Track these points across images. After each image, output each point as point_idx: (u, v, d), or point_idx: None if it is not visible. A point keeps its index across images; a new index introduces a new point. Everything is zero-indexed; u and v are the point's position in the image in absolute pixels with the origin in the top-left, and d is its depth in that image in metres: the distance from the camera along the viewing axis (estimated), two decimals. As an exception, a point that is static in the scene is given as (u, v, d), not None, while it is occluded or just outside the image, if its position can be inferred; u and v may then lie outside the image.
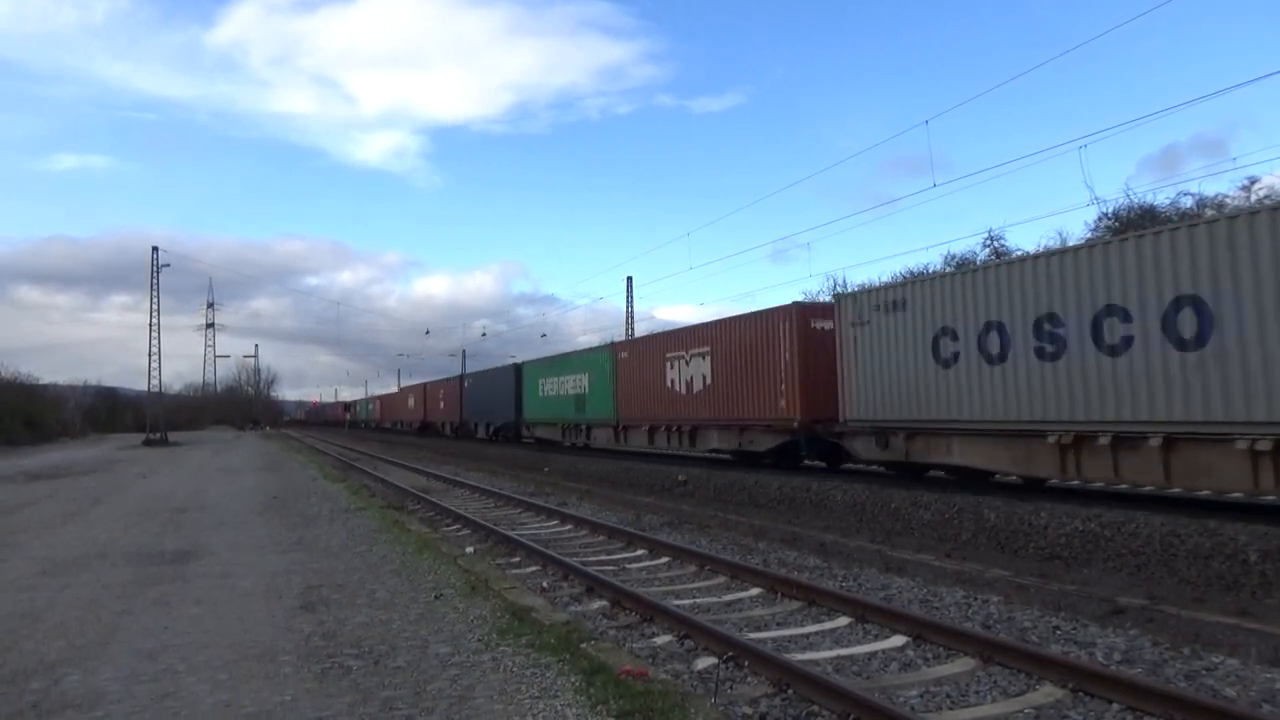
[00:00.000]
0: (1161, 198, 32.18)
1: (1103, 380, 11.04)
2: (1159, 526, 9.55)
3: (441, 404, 50.58)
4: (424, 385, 58.31)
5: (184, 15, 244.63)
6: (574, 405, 29.21)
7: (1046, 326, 11.91)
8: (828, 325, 16.79)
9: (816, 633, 7.16)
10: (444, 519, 15.01)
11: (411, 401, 61.49)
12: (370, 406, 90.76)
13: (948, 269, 33.72)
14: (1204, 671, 5.88)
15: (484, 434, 42.42)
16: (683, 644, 6.76)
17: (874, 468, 17.21)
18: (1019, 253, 33.37)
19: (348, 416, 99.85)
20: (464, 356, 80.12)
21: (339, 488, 19.66)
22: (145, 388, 59.68)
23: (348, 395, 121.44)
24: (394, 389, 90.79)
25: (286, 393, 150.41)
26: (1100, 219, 31.17)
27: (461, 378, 46.84)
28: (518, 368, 36.82)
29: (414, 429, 60.56)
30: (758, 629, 7.31)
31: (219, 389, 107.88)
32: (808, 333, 17.09)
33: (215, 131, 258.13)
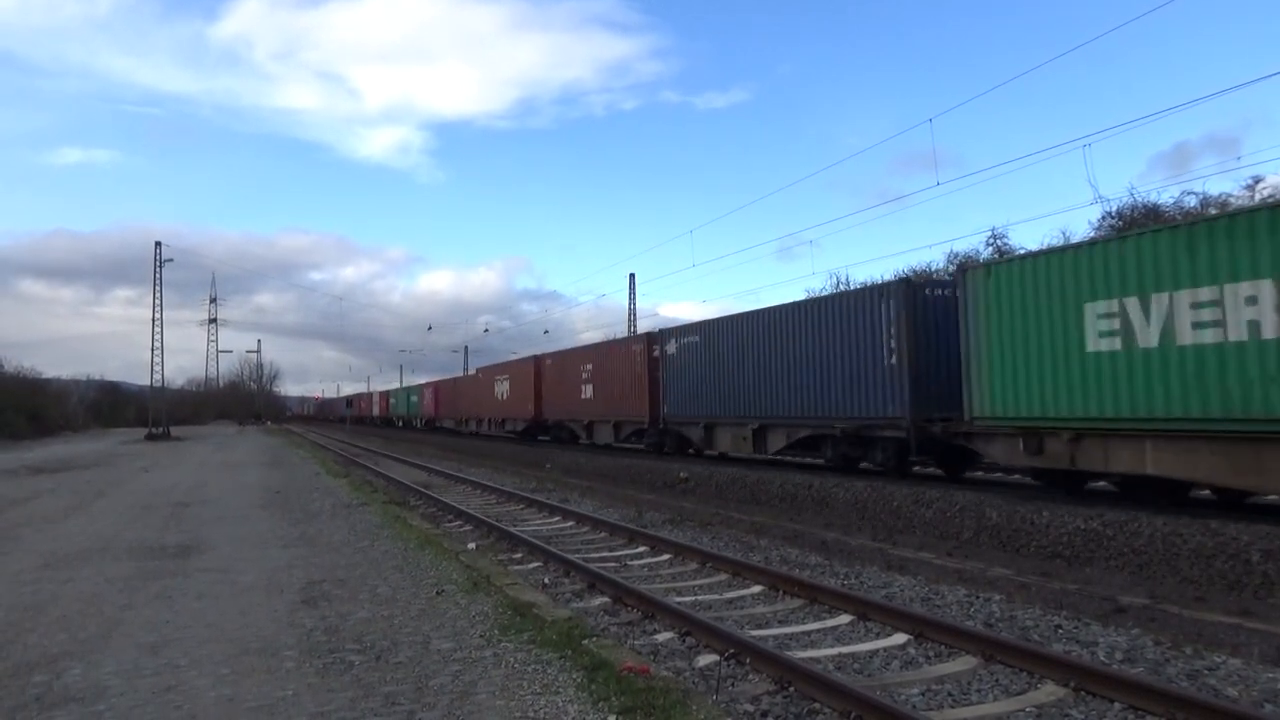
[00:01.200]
0: (1166, 196, 32.10)
1: None
2: (1161, 526, 9.54)
3: (590, 390, 28.31)
4: (535, 361, 34.73)
5: (188, 8, 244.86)
6: None
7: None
8: None
9: (818, 630, 7.15)
10: (446, 515, 15.03)
11: (504, 388, 38.08)
12: (414, 398, 63.76)
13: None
14: (1206, 671, 5.87)
15: (734, 449, 20.53)
16: (684, 641, 6.76)
17: None
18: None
19: (349, 412, 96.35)
20: (466, 352, 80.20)
21: (341, 483, 19.68)
22: (148, 382, 59.89)
23: (350, 390, 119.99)
24: (396, 383, 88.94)
25: (289, 388, 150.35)
26: (1104, 218, 31.09)
27: (651, 338, 24.60)
28: (945, 279, 17.33)
29: (510, 431, 38.10)
30: (759, 626, 7.31)
31: (221, 384, 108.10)
32: None
33: (219, 126, 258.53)
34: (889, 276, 39.80)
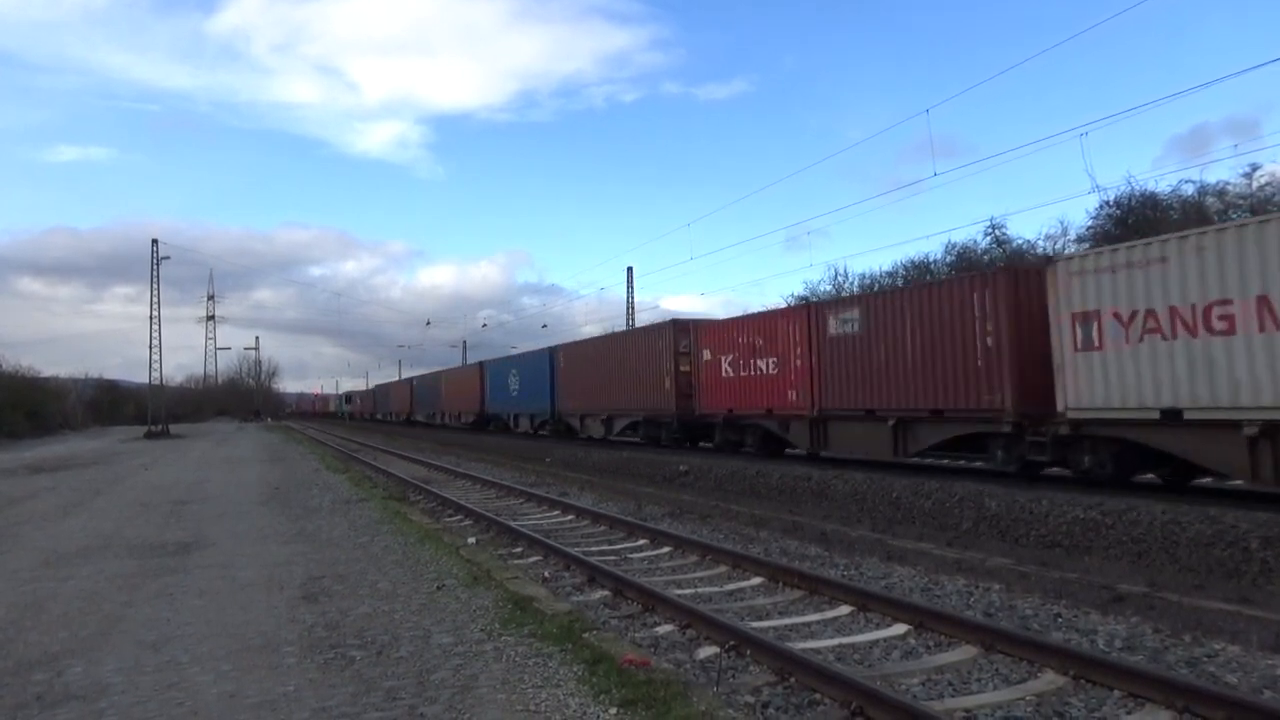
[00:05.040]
0: (1164, 185, 32.07)
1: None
2: (1160, 514, 9.55)
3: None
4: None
5: (186, 2, 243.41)
6: None
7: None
8: None
9: (818, 621, 7.17)
10: (446, 510, 15.04)
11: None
12: (515, 372, 34.94)
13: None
14: (1205, 658, 5.89)
15: None
16: (684, 633, 6.77)
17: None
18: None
19: (346, 408, 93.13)
20: (465, 347, 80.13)
21: (341, 479, 19.68)
22: (147, 380, 59.78)
23: (349, 386, 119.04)
24: (394, 377, 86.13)
25: (288, 384, 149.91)
26: (1101, 207, 31.09)
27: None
28: None
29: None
30: (759, 618, 7.33)
31: (220, 381, 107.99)
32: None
33: (217, 121, 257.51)
34: (889, 268, 39.61)
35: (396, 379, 74.96)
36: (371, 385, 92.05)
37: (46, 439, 54.91)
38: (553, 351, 30.66)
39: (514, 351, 41.17)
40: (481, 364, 40.70)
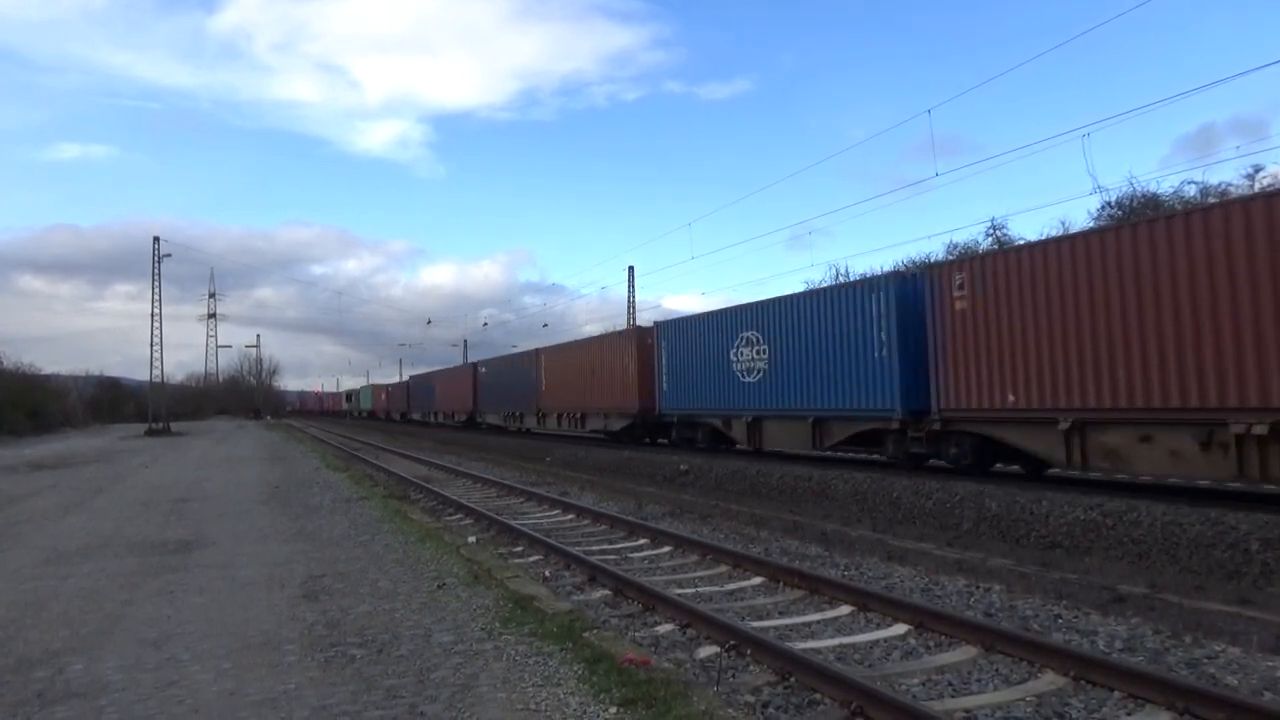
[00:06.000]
0: (1165, 186, 32.01)
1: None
2: (1160, 515, 9.55)
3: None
4: None
5: (187, 1, 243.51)
6: None
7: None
8: None
9: (819, 621, 7.17)
10: (446, 508, 15.04)
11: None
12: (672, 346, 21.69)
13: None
14: (1205, 660, 5.89)
15: None
16: (685, 633, 6.77)
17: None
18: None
19: (365, 407, 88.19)
20: (465, 346, 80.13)
21: (341, 477, 19.69)
22: (148, 378, 59.84)
23: (350, 384, 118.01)
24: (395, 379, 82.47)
25: (288, 382, 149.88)
26: (1103, 208, 31.05)
27: None
28: None
29: None
30: (760, 618, 7.33)
31: (221, 379, 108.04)
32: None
33: (218, 120, 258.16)
34: (888, 267, 39.54)
35: (447, 366, 57.52)
36: (392, 379, 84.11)
37: (47, 437, 54.91)
38: (912, 281, 14.70)
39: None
40: (641, 329, 25.23)
